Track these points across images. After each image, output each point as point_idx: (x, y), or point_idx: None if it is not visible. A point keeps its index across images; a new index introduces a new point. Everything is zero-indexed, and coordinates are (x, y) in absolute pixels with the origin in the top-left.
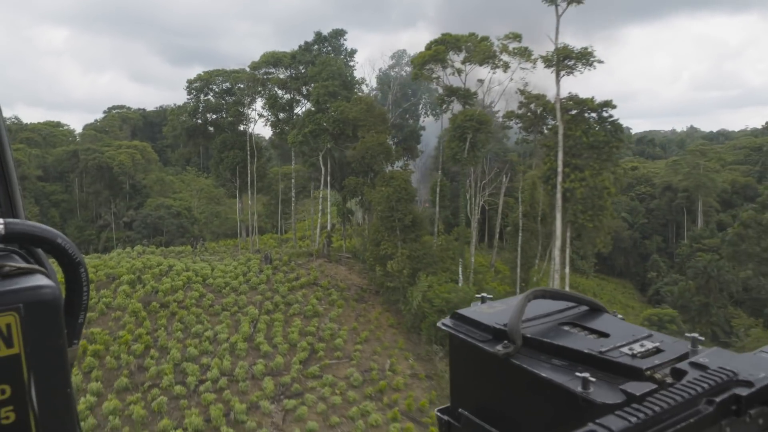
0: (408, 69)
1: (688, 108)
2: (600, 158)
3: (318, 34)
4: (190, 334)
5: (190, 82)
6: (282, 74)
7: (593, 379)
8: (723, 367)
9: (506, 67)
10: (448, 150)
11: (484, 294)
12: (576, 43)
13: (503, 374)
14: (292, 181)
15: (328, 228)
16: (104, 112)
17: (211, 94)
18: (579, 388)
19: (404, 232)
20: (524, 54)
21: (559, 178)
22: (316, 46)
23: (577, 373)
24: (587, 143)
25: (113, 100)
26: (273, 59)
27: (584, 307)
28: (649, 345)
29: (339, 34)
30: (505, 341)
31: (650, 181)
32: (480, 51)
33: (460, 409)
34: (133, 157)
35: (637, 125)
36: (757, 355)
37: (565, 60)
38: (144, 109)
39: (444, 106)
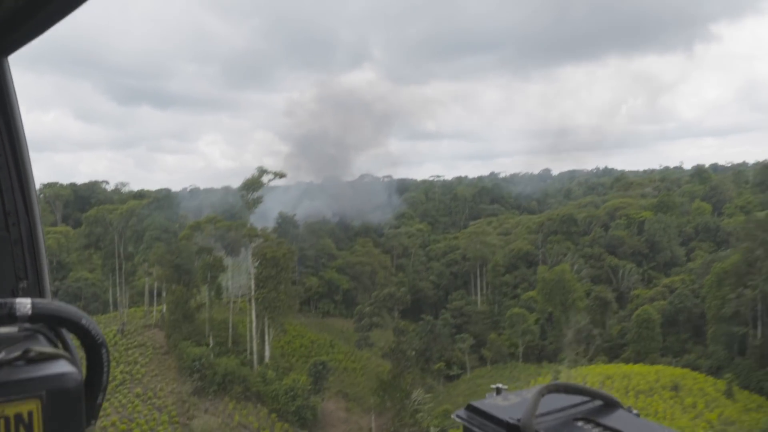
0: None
1: (628, 141)
2: (274, 281)
3: (155, 198)
4: None
5: (87, 217)
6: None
7: None
8: None
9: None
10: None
11: (500, 385)
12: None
13: None
14: None
15: (163, 308)
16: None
17: (100, 227)
18: None
19: (184, 316)
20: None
21: (252, 292)
22: (153, 204)
23: None
24: (266, 275)
25: (58, 138)
26: (133, 206)
27: (599, 402)
28: None
29: (171, 197)
30: None
31: (457, 250)
32: (207, 225)
33: None
34: (58, 241)
35: (578, 159)
36: None
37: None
38: (75, 183)
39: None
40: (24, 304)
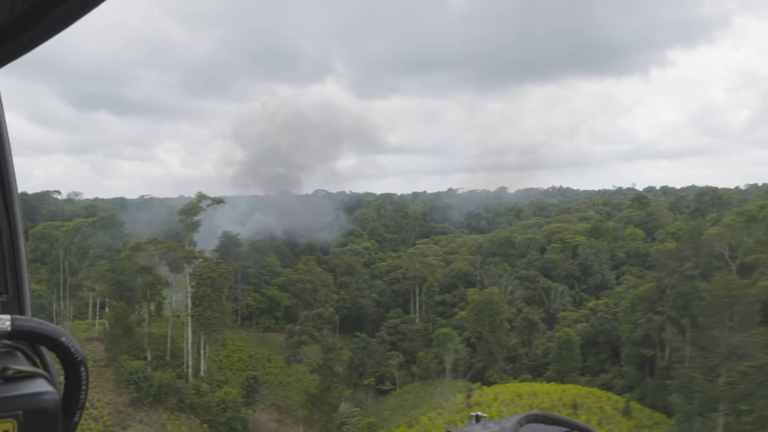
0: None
1: (586, 160)
2: (210, 300)
3: (100, 218)
4: None
5: (33, 233)
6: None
7: None
8: None
9: None
10: None
11: (479, 413)
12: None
13: None
14: None
15: (106, 323)
16: None
17: (46, 243)
18: None
19: (124, 331)
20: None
21: (189, 309)
22: (99, 223)
23: None
24: (202, 293)
25: (11, 141)
26: (78, 224)
27: None
28: None
29: (116, 218)
30: None
31: (399, 269)
32: (148, 246)
33: None
34: None
35: (539, 176)
36: None
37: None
38: (26, 192)
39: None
40: (3, 320)
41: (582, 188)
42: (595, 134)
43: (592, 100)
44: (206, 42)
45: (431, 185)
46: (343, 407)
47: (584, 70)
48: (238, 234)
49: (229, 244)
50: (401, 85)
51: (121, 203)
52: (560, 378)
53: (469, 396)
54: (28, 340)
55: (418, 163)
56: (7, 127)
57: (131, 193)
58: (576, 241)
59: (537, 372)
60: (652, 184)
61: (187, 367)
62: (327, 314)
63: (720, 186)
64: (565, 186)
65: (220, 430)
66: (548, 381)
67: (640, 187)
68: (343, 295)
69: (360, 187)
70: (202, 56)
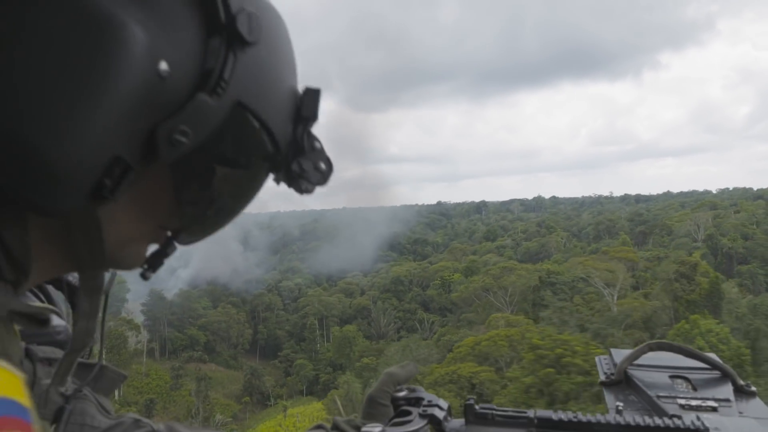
0: None
1: (590, 161)
2: (120, 348)
3: None
4: None
5: None
6: None
7: None
8: None
9: None
10: None
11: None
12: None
13: None
14: None
15: None
16: None
17: None
18: None
19: None
20: None
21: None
22: None
23: None
24: (111, 344)
25: None
26: None
27: (716, 372)
28: None
29: None
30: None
31: (308, 306)
32: None
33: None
34: None
35: (541, 179)
36: None
37: None
38: None
39: None
40: None
41: (567, 195)
42: (596, 136)
43: (590, 102)
44: None
45: (436, 193)
46: (219, 418)
47: (576, 75)
48: (161, 290)
49: (153, 300)
50: (397, 98)
51: None
52: None
53: (285, 410)
54: None
55: (423, 172)
56: None
57: None
58: (453, 278)
59: None
60: (642, 188)
61: None
62: (197, 355)
63: (715, 186)
64: (548, 196)
65: None
66: None
67: (627, 192)
68: (261, 329)
69: (359, 200)
70: None
